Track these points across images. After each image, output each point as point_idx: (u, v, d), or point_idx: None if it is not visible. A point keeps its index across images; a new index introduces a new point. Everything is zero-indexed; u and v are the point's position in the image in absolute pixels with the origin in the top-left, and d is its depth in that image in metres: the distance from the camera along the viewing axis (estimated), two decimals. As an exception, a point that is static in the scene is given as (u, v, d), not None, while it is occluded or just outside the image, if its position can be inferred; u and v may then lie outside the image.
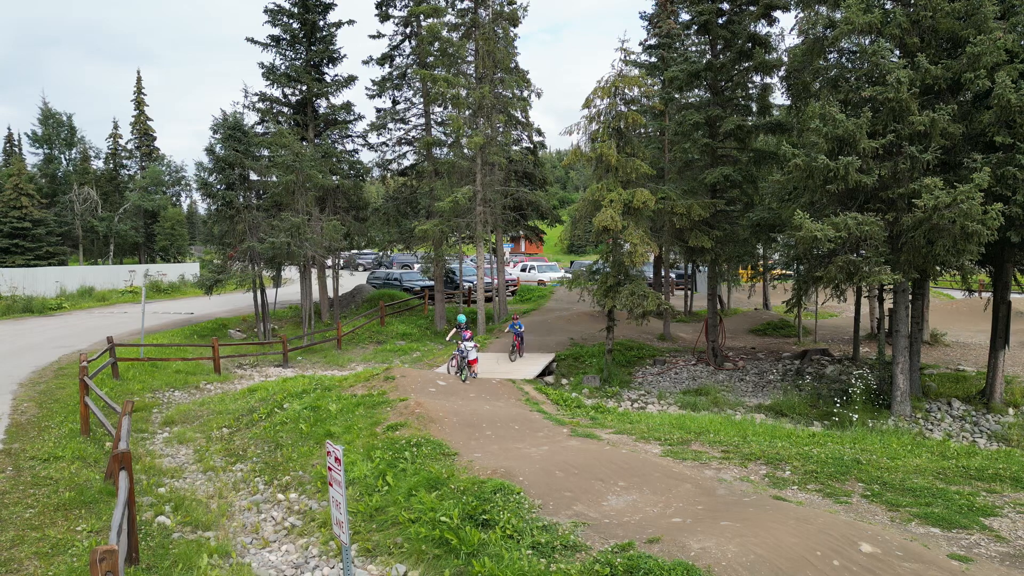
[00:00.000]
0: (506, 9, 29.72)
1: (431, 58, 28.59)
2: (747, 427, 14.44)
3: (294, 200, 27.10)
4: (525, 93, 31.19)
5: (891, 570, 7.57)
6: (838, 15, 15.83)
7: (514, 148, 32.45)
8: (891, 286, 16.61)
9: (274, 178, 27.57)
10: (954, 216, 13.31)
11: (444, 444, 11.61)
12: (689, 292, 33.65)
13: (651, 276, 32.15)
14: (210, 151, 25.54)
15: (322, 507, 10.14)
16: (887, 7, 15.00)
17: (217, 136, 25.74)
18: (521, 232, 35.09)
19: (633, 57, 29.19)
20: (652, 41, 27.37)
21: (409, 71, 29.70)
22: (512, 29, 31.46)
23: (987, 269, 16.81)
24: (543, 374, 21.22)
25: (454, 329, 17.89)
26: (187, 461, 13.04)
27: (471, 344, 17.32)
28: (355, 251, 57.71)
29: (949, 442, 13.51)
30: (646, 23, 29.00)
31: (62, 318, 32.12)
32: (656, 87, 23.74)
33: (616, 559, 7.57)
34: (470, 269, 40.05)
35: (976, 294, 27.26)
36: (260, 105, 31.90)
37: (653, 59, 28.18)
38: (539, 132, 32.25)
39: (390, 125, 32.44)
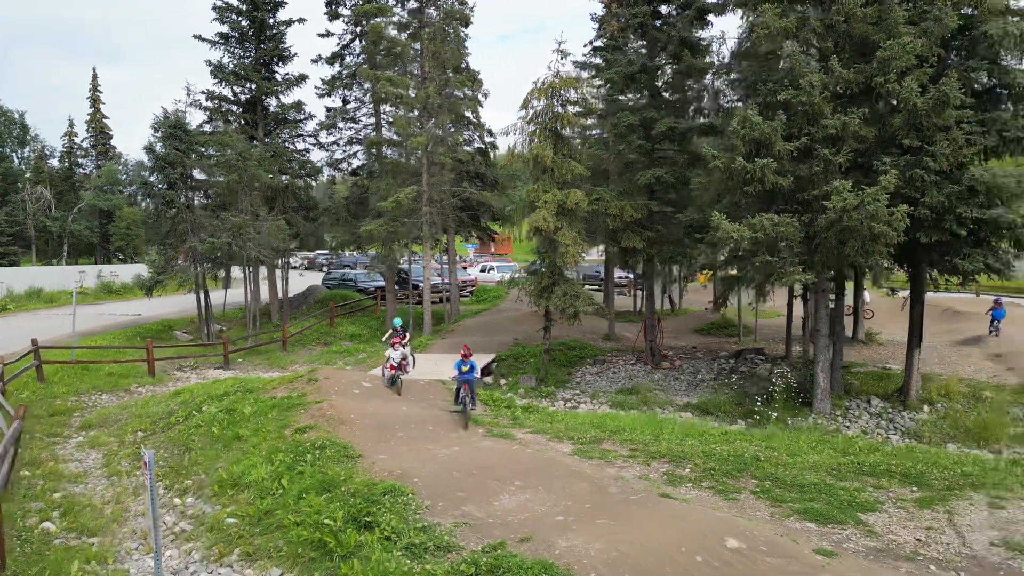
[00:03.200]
0: (457, 9, 29.80)
1: (380, 57, 28.51)
2: (664, 426, 14.61)
3: (238, 200, 26.82)
4: (476, 94, 31.29)
5: (753, 564, 7.72)
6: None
7: (466, 149, 32.46)
8: (814, 286, 16.89)
9: (221, 177, 27.28)
10: (861, 218, 13.59)
11: (350, 446, 11.58)
12: (642, 292, 33.86)
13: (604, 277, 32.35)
14: (149, 149, 25.20)
15: (215, 511, 10.07)
16: (802, 12, 15.23)
17: (158, 135, 25.40)
18: (474, 233, 35.12)
19: (583, 59, 29.32)
20: (599, 43, 27.48)
21: (359, 71, 29.54)
22: (463, 29, 31.55)
23: (906, 269, 17.16)
24: (481, 374, 21.26)
25: (389, 331, 17.80)
26: (94, 466, 12.85)
27: (398, 354, 15.96)
28: (320, 251, 57.40)
29: (856, 439, 13.80)
30: (596, 24, 29.13)
31: (3, 320, 31.44)
32: (597, 89, 23.93)
33: (482, 559, 7.62)
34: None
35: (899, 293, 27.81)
36: (208, 103, 31.52)
37: (598, 60, 28.31)
38: (490, 133, 32.25)
39: (340, 124, 32.28)
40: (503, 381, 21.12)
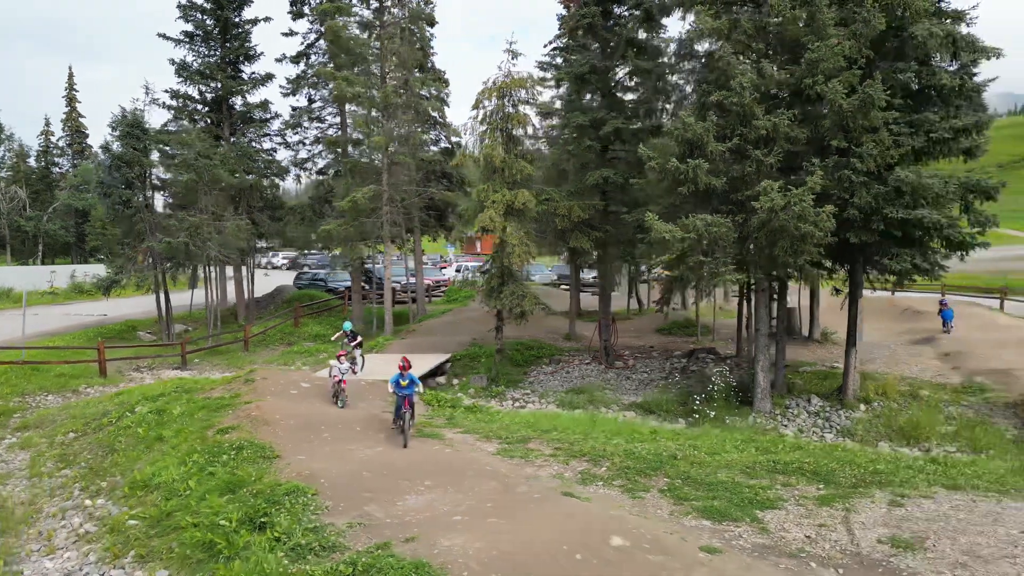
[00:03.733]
0: (422, 9, 29.84)
1: (343, 57, 28.49)
2: (598, 425, 14.68)
3: (198, 199, 26.76)
4: (441, 94, 31.35)
5: (631, 562, 7.80)
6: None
7: (432, 149, 32.49)
8: (764, 285, 16.99)
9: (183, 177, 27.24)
10: (788, 218, 13.70)
11: (269, 447, 11.59)
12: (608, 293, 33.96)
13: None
14: (106, 148, 25.11)
15: (120, 512, 10.07)
16: (735, 14, 15.33)
17: (115, 134, 25.32)
18: (448, 233, 35.18)
19: (547, 59, 29.37)
20: (558, 43, 27.54)
21: (317, 70, 29.51)
22: (429, 29, 31.59)
23: (845, 269, 17.29)
24: (434, 374, 21.33)
25: (338, 333, 17.84)
26: (20, 467, 12.84)
27: (345, 366, 14.77)
28: (306, 251, 57.44)
29: (783, 438, 13.91)
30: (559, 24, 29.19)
31: (-34, 320, 31.24)
32: (558, 89, 23.99)
33: (362, 559, 7.67)
34: (398, 270, 40.01)
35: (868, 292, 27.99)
36: (172, 102, 31.44)
37: (560, 61, 28.37)
38: (457, 133, 32.26)
39: (306, 124, 32.29)
40: (455, 381, 21.17)
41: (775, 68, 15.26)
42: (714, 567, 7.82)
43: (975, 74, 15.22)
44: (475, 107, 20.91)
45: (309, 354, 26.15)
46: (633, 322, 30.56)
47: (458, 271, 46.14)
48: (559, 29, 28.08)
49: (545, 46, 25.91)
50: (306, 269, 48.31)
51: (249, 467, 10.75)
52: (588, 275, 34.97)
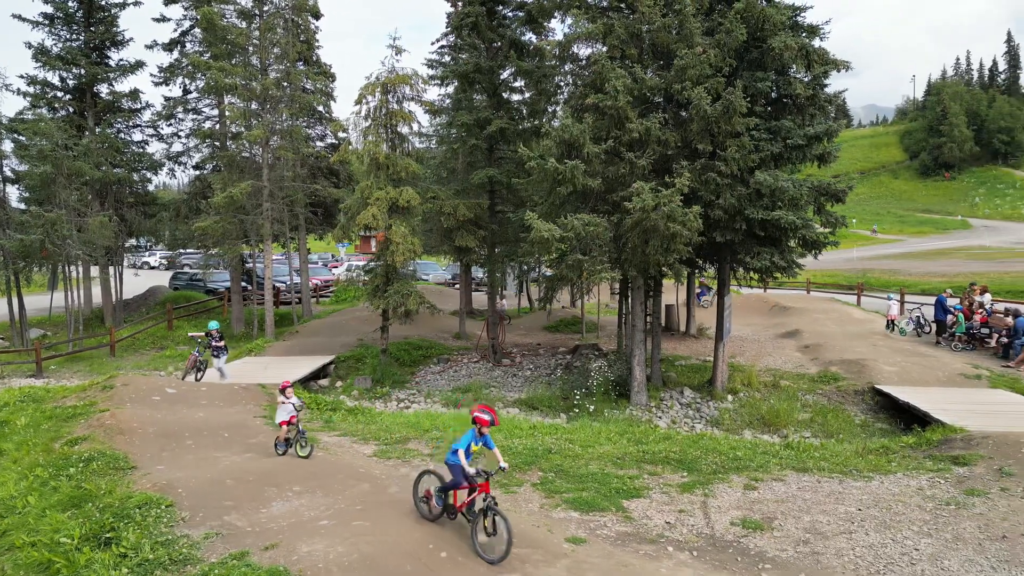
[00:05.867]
0: (307, 1, 28.90)
1: (222, 46, 27.13)
2: (479, 423, 14.70)
3: (56, 193, 24.71)
4: (327, 87, 30.49)
5: (498, 558, 7.84)
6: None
7: (318, 144, 31.59)
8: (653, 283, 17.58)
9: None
10: (659, 218, 14.26)
11: (124, 457, 10.84)
12: (501, 291, 34.27)
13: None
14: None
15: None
16: (610, 19, 15.80)
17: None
18: (329, 231, 34.20)
19: (436, 56, 29.23)
20: (446, 41, 27.48)
21: (189, 58, 27.98)
22: (313, 21, 30.70)
23: (714, 267, 18.23)
24: (316, 376, 20.72)
25: (202, 334, 16.85)
26: None
27: (296, 400, 11.19)
28: (184, 250, 54.21)
29: (655, 429, 14.48)
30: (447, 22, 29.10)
31: None
32: (438, 87, 23.91)
33: (215, 571, 7.31)
34: (282, 269, 38.63)
35: (740, 290, 29.74)
36: (29, 89, 28.90)
37: (447, 59, 28.33)
38: (343, 128, 31.45)
39: (180, 115, 30.53)
40: (339, 383, 20.65)
41: (648, 73, 15.88)
42: (577, 557, 8.01)
43: (827, 85, 16.43)
44: (358, 102, 20.51)
45: (183, 358, 24.68)
46: (523, 320, 30.99)
47: (349, 271, 45.05)
48: (446, 27, 28.07)
49: (433, 43, 25.74)
50: (185, 269, 45.78)
51: (99, 480, 10.00)
52: (482, 274, 35.18)
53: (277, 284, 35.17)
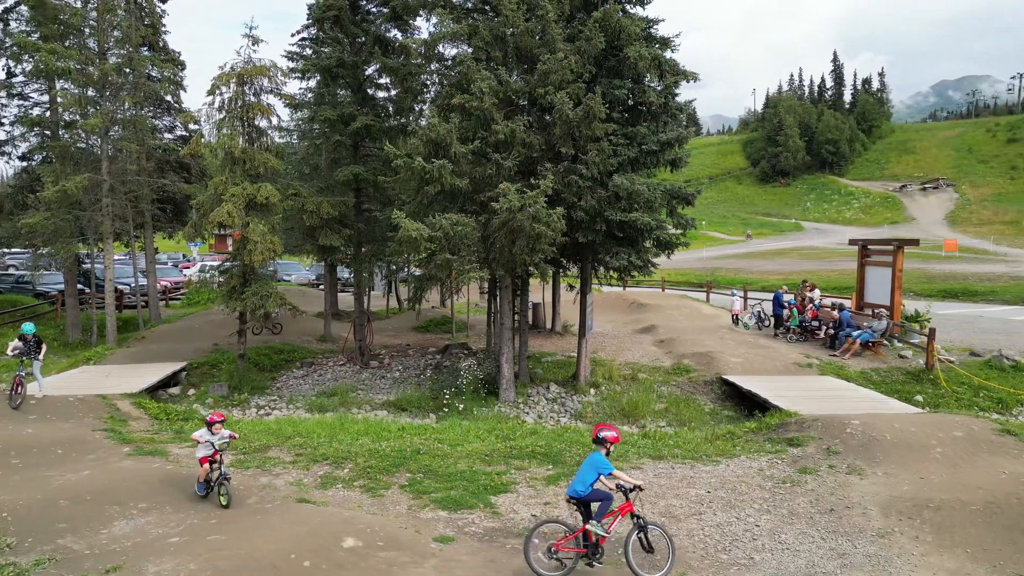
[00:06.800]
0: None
1: (54, 26, 24.58)
2: (345, 427, 14.32)
3: None
4: (176, 76, 28.49)
5: (364, 562, 7.68)
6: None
7: (166, 136, 29.48)
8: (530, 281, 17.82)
9: None
10: (524, 219, 14.55)
11: (-69, 483, 9.57)
12: (369, 291, 33.55)
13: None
14: None
15: None
16: (475, 20, 15.94)
17: None
18: (180, 229, 31.98)
19: (297, 49, 28.09)
20: (307, 33, 26.50)
21: (16, 38, 25.17)
22: (160, 5, 28.66)
23: (577, 266, 18.88)
24: (166, 385, 19.31)
25: (15, 341, 14.75)
26: None
27: (216, 437, 9.51)
28: (5, 250, 48.51)
29: (522, 425, 14.79)
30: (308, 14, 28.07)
31: None
32: (299, 80, 23.01)
33: (42, 601, 6.63)
34: (126, 270, 35.69)
35: (617, 287, 31.01)
36: None
37: (309, 52, 27.35)
38: (194, 119, 29.52)
39: (4, 100, 27.41)
40: (192, 391, 19.36)
41: (514, 76, 16.17)
42: (445, 555, 8.01)
43: (678, 94, 17.49)
44: (211, 93, 19.30)
45: (8, 368, 22.19)
46: (392, 321, 30.56)
47: (202, 271, 42.33)
48: (307, 19, 27.09)
49: (293, 36, 24.70)
50: (10, 271, 41.09)
51: (-100, 511, 8.75)
52: (348, 274, 34.27)
53: (120, 286, 32.42)
